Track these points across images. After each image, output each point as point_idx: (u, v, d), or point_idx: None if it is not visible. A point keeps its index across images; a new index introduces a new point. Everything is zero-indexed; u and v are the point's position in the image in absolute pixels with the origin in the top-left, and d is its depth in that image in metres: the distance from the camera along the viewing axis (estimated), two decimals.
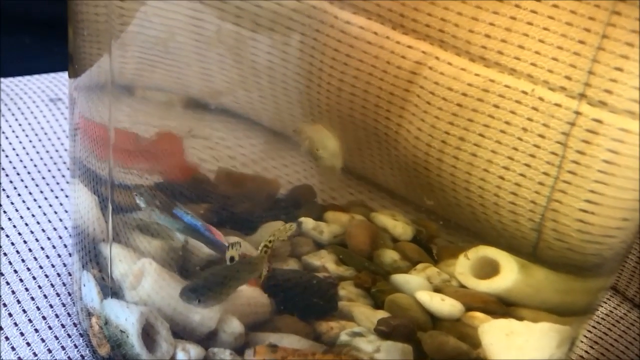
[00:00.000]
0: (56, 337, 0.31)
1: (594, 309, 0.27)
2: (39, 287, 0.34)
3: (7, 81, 0.52)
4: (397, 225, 0.27)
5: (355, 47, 0.26)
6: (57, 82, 0.53)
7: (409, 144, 0.25)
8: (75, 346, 0.31)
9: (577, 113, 0.21)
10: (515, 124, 0.22)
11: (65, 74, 0.54)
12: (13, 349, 0.31)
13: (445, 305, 0.25)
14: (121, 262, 0.28)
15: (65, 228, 0.38)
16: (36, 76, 0.54)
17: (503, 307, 0.25)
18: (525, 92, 0.22)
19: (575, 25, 0.22)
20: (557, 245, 0.22)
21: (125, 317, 0.26)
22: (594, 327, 0.36)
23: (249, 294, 0.26)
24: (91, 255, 0.30)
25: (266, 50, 0.26)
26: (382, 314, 0.25)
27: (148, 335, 0.26)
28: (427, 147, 0.24)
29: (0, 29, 0.59)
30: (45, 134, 0.46)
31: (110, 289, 0.28)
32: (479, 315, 0.24)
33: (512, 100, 0.22)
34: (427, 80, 0.25)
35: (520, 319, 0.24)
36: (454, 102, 0.24)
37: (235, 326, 0.26)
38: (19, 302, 0.33)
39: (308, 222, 0.29)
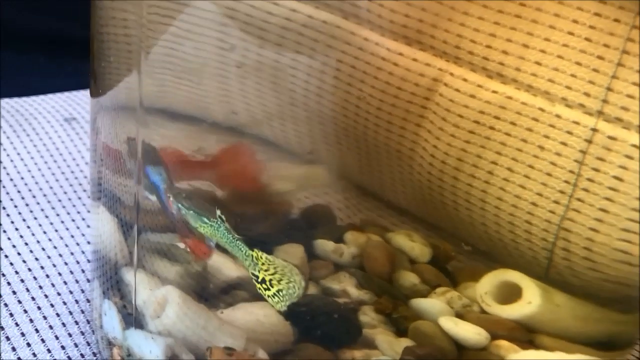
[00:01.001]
0: None
1: (628, 343, 0.27)
2: (57, 314, 0.35)
3: (22, 101, 0.54)
4: (415, 246, 0.27)
5: (371, 64, 0.26)
6: (72, 102, 0.54)
7: (424, 162, 0.25)
8: None
9: (594, 130, 0.21)
10: (532, 141, 0.23)
11: (79, 93, 0.55)
12: None
13: (471, 333, 0.25)
14: (144, 289, 0.28)
15: (83, 252, 0.39)
16: (50, 95, 0.55)
17: (527, 334, 0.25)
18: (542, 110, 0.22)
19: (595, 41, 0.22)
20: (563, 266, 0.22)
21: (149, 349, 0.27)
22: None
23: (271, 321, 0.26)
24: (112, 282, 0.30)
25: (276, 67, 0.27)
26: (406, 342, 0.25)
27: None
28: (443, 165, 0.25)
29: (14, 48, 0.61)
30: (61, 154, 0.47)
31: (134, 319, 0.28)
32: (504, 344, 0.24)
33: (529, 117, 0.23)
34: (442, 98, 0.25)
35: (542, 347, 0.24)
36: (471, 120, 0.24)
37: (259, 356, 0.26)
38: (37, 330, 0.33)
39: (327, 244, 0.29)
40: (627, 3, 0.21)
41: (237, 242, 0.25)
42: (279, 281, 0.25)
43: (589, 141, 0.21)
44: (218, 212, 0.26)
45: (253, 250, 0.25)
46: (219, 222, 0.26)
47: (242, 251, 0.25)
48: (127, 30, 0.27)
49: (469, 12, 0.24)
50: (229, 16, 0.26)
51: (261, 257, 0.25)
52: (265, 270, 0.25)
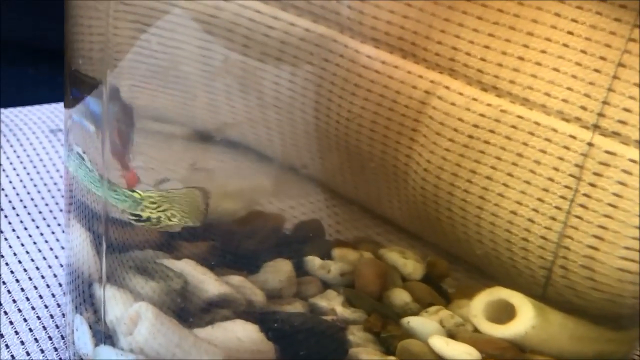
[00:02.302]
0: None
1: None
2: (30, 330, 0.34)
3: (7, 112, 0.54)
4: (407, 263, 0.27)
5: (364, 77, 0.27)
6: (58, 113, 0.54)
7: (418, 177, 0.25)
8: None
9: (590, 144, 0.21)
10: (527, 156, 0.23)
11: None
12: None
13: (461, 353, 0.25)
14: (115, 305, 0.28)
15: (61, 266, 0.39)
16: (36, 106, 0.55)
17: (520, 354, 0.25)
18: (538, 123, 0.23)
19: (590, 54, 0.22)
20: (562, 285, 0.23)
21: None
22: None
23: (251, 339, 0.26)
24: (85, 297, 0.30)
25: (273, 80, 0.27)
26: None
27: None
28: (437, 180, 0.25)
29: (3, 59, 0.62)
30: (44, 165, 0.47)
31: (104, 334, 0.28)
32: None
33: (524, 131, 0.23)
34: (436, 111, 0.25)
35: None
36: (465, 134, 0.24)
37: None
38: (7, 347, 0.33)
39: (314, 261, 0.29)
40: (623, 14, 0.21)
41: (101, 181, 0.25)
42: (170, 217, 0.25)
43: (586, 156, 0.22)
44: (77, 149, 0.25)
45: (134, 192, 0.25)
46: (79, 159, 0.25)
47: (116, 192, 0.25)
48: (93, 37, 0.28)
49: (464, 23, 0.25)
50: (229, 30, 0.27)
51: (148, 197, 0.25)
52: (155, 208, 0.25)
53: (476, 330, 0.25)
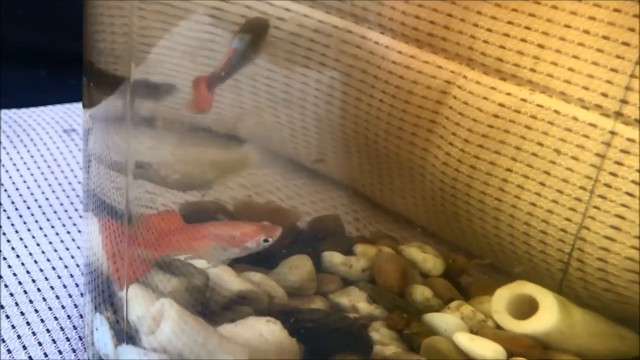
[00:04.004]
0: None
1: None
2: (48, 330, 0.35)
3: (21, 112, 0.55)
4: (427, 258, 0.28)
5: (382, 68, 0.27)
6: (72, 113, 0.56)
7: (435, 170, 0.26)
8: None
9: (613, 133, 0.22)
10: (547, 145, 0.23)
11: (78, 105, 0.57)
12: None
13: (488, 350, 0.25)
14: (137, 303, 0.28)
15: (78, 266, 0.39)
16: (50, 107, 0.57)
17: (545, 353, 0.25)
18: (557, 112, 0.23)
19: (613, 40, 0.22)
20: (576, 278, 0.23)
21: None
22: None
23: (275, 337, 0.26)
24: (105, 296, 0.31)
25: (285, 74, 0.28)
26: None
27: None
28: (456, 172, 0.25)
29: (16, 62, 0.63)
30: (59, 165, 0.48)
31: (126, 334, 0.29)
32: None
33: (544, 120, 0.23)
34: (456, 101, 0.26)
35: None
36: (485, 124, 0.25)
37: None
38: (24, 347, 0.34)
39: (335, 257, 0.29)
40: None
41: None
42: None
43: (608, 144, 0.22)
44: None
45: None
46: None
47: None
48: (115, 39, 0.28)
49: (482, 11, 0.25)
50: (233, 22, 0.27)
51: None
52: None
53: (498, 326, 0.25)
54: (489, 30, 0.25)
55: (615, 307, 0.23)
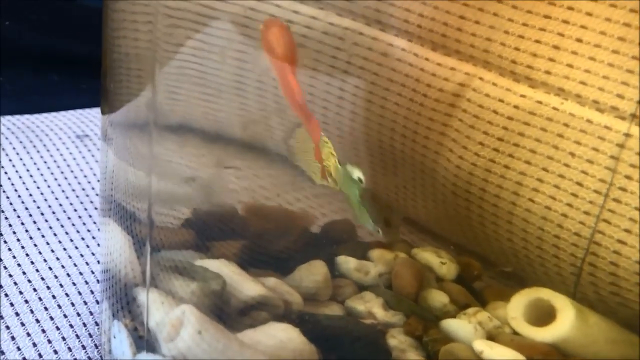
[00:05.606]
0: None
1: None
2: (63, 338, 0.36)
3: (33, 117, 0.56)
4: (444, 263, 0.28)
5: (397, 71, 0.28)
6: (84, 119, 0.57)
7: (448, 174, 0.26)
8: None
9: (628, 135, 0.22)
10: (563, 148, 0.23)
11: (92, 111, 0.58)
12: None
13: (508, 358, 0.25)
14: (157, 309, 0.28)
15: (92, 272, 0.40)
16: (63, 112, 0.58)
17: (563, 359, 0.25)
18: (573, 115, 0.23)
19: (629, 41, 0.23)
20: (587, 282, 0.23)
21: None
22: None
23: (295, 344, 0.27)
24: (123, 303, 0.31)
25: (298, 79, 0.28)
26: None
27: None
28: (469, 176, 0.26)
29: (29, 67, 0.65)
30: (72, 171, 0.49)
31: (146, 341, 0.29)
32: None
33: (559, 123, 0.24)
34: (470, 103, 0.26)
35: None
36: (500, 126, 0.25)
37: None
38: (40, 356, 0.35)
39: (349, 262, 0.29)
40: None
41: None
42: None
43: (622, 147, 0.22)
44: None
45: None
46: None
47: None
48: (138, 45, 0.29)
49: (498, 13, 0.25)
50: (246, 26, 0.28)
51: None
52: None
53: (515, 332, 0.26)
54: (505, 32, 0.25)
55: (619, 311, 0.24)
